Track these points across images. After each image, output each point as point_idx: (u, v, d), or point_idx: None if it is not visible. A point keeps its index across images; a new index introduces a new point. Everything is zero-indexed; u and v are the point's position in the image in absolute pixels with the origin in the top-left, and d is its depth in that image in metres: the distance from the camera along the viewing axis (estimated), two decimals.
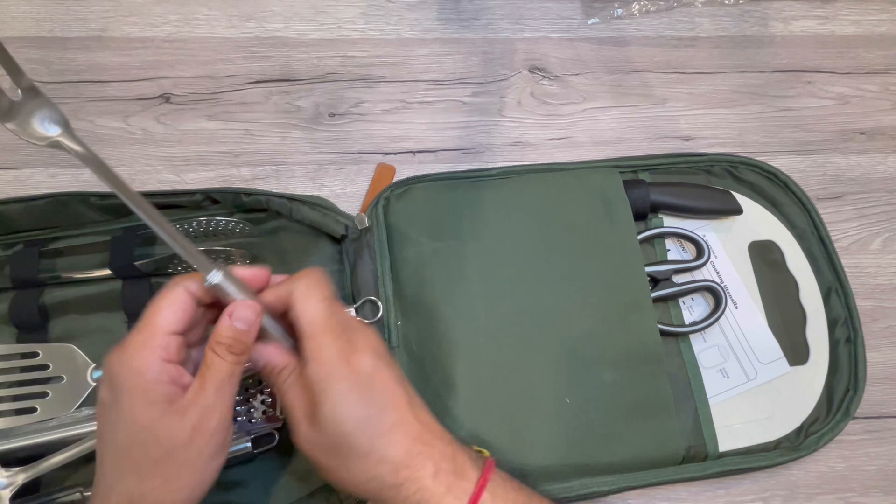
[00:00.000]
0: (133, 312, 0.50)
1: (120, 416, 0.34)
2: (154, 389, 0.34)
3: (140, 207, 0.37)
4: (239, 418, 0.48)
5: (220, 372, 0.35)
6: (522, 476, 0.48)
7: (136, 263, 0.50)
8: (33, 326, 0.50)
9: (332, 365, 0.36)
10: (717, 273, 0.55)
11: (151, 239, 0.52)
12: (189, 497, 0.35)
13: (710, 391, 0.52)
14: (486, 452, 0.42)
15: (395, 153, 0.59)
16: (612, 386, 0.50)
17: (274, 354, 0.38)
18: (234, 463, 0.47)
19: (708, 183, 0.58)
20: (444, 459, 0.37)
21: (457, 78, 0.62)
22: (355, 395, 0.36)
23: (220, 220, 0.52)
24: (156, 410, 0.34)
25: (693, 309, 0.54)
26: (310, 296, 0.37)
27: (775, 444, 0.51)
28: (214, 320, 0.37)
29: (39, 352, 0.49)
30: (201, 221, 0.51)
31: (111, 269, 0.50)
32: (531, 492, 0.40)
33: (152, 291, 0.51)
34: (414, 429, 0.37)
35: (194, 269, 0.37)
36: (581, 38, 0.64)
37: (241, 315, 0.36)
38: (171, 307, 0.36)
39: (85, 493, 0.45)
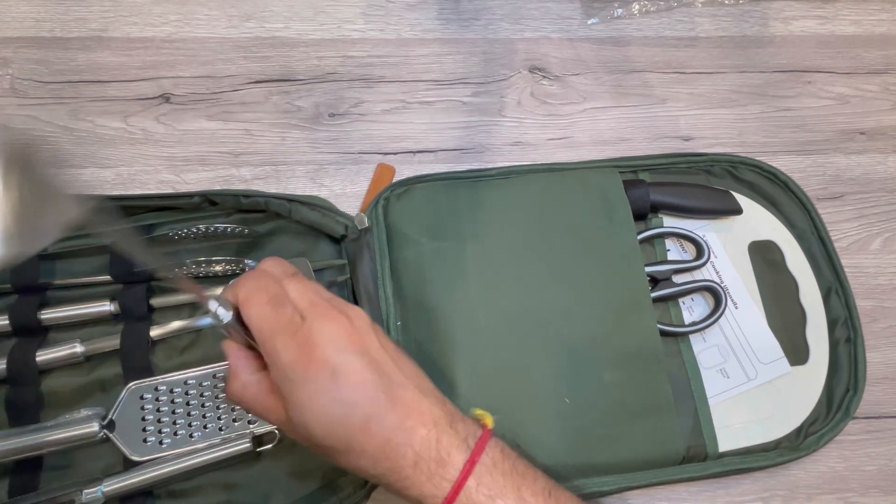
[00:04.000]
0: (132, 316, 0.50)
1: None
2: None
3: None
4: (238, 419, 0.48)
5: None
6: None
7: (135, 270, 0.50)
8: (34, 331, 0.50)
9: (289, 369, 0.35)
10: (717, 273, 0.55)
11: (150, 243, 0.52)
12: None
13: (710, 391, 0.52)
14: (488, 420, 0.39)
15: (395, 153, 0.59)
16: (612, 386, 0.50)
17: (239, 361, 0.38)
18: (235, 462, 0.47)
19: (708, 183, 0.57)
20: (426, 446, 0.35)
21: (457, 78, 0.62)
22: (321, 398, 0.35)
23: (219, 226, 0.51)
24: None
25: (693, 309, 0.54)
26: (251, 301, 0.36)
27: (775, 444, 0.51)
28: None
29: None
30: (200, 227, 0.51)
31: (111, 276, 0.50)
32: (526, 470, 0.38)
33: (150, 295, 0.51)
34: (391, 419, 0.35)
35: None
36: (581, 38, 0.64)
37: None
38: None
39: (86, 491, 0.45)
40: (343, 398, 0.35)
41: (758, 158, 0.58)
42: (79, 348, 0.48)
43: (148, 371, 0.49)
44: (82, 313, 0.50)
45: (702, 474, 0.49)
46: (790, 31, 0.66)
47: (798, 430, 0.51)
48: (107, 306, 0.50)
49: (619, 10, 0.64)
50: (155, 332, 0.50)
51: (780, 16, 0.66)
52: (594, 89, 0.62)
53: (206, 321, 0.50)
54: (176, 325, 0.50)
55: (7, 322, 0.49)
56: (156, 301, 0.51)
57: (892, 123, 0.63)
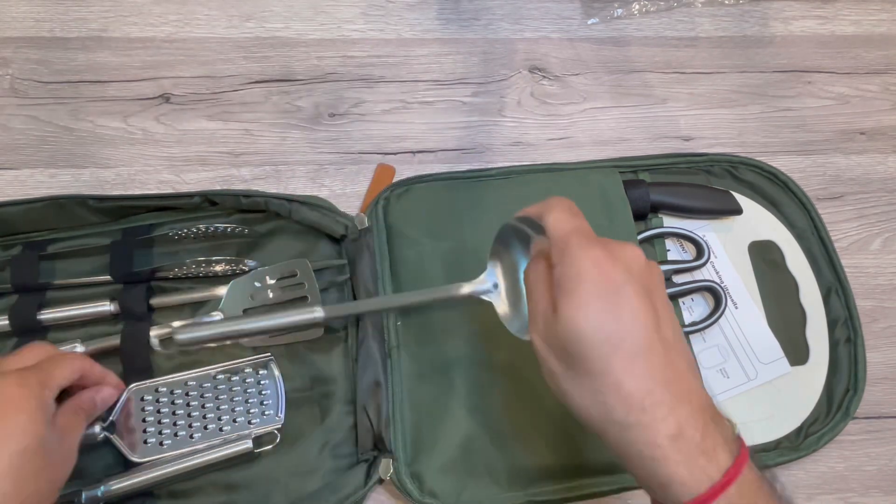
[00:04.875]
0: (132, 316, 0.50)
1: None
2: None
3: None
4: (239, 419, 0.48)
5: (79, 427, 0.43)
6: (524, 475, 0.48)
7: (135, 270, 0.50)
8: (34, 331, 0.49)
9: (579, 265, 0.33)
10: (717, 273, 0.55)
11: (150, 243, 0.52)
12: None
13: (710, 391, 0.51)
14: (737, 427, 0.35)
15: (395, 153, 0.59)
16: None
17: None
18: (235, 463, 0.47)
19: (708, 183, 0.57)
20: (691, 425, 0.31)
21: (457, 78, 0.62)
22: (601, 303, 0.33)
23: (219, 226, 0.51)
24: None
25: (693, 309, 0.54)
26: (556, 207, 0.37)
27: (775, 444, 0.51)
28: None
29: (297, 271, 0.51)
30: (200, 227, 0.51)
31: (111, 276, 0.50)
32: (772, 493, 0.33)
33: (150, 295, 0.51)
34: (662, 369, 0.32)
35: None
36: (581, 38, 0.64)
37: (104, 396, 0.46)
38: (71, 371, 0.42)
39: (86, 492, 0.45)
40: (619, 318, 0.32)
41: (758, 158, 0.58)
42: (79, 348, 0.48)
43: (148, 371, 0.49)
44: (82, 313, 0.50)
45: None
46: (790, 31, 0.66)
47: (798, 430, 0.51)
48: (107, 306, 0.50)
49: (619, 10, 0.64)
50: (156, 332, 0.50)
51: (780, 16, 0.66)
52: (594, 89, 0.62)
53: (213, 318, 0.50)
54: (178, 324, 0.50)
55: (7, 322, 0.49)
56: (156, 301, 0.51)
57: (892, 123, 0.63)
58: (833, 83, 0.64)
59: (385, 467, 0.47)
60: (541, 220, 0.38)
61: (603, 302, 0.33)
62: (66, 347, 0.48)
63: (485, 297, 0.46)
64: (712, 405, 0.34)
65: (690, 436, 0.31)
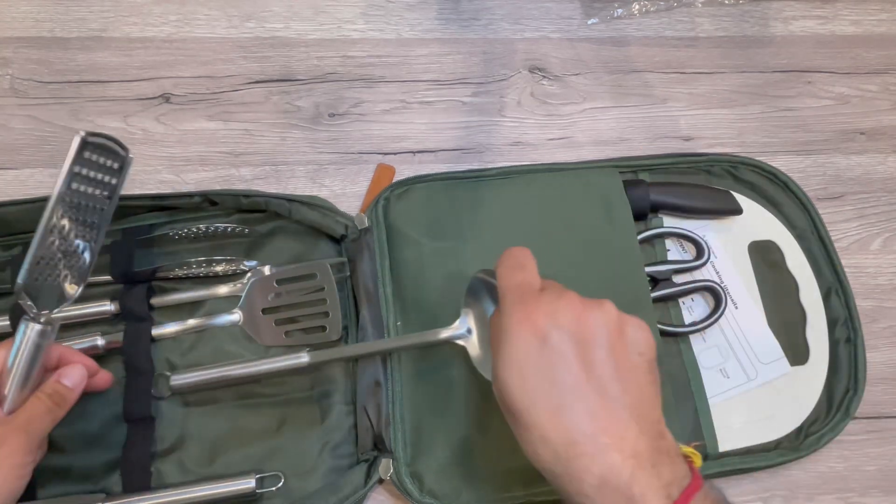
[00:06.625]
0: (133, 316, 0.50)
1: None
2: None
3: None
4: None
5: (34, 409, 0.40)
6: (524, 475, 0.48)
7: (135, 270, 0.50)
8: None
9: (507, 322, 0.35)
10: (717, 273, 0.55)
11: (150, 243, 0.52)
12: None
13: (710, 391, 0.52)
14: (696, 460, 0.36)
15: (395, 153, 0.59)
16: None
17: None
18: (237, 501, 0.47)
19: (708, 183, 0.58)
20: (615, 474, 0.32)
21: (457, 78, 0.62)
22: (524, 359, 0.34)
23: (219, 226, 0.51)
24: None
25: (693, 309, 0.54)
26: (504, 262, 0.39)
27: (775, 444, 0.51)
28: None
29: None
30: (200, 227, 0.51)
31: (112, 276, 0.50)
32: None
33: (151, 295, 0.51)
34: (584, 423, 0.33)
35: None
36: (581, 38, 0.64)
37: (70, 374, 0.42)
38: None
39: None
40: (543, 368, 0.34)
41: (758, 158, 0.58)
42: (100, 341, 0.49)
43: (150, 371, 0.49)
44: (83, 313, 0.50)
45: (702, 474, 0.49)
46: (790, 31, 0.66)
47: (798, 430, 0.51)
48: (107, 306, 0.50)
49: (619, 10, 0.64)
50: (157, 332, 0.50)
51: (780, 16, 0.66)
52: (594, 89, 0.62)
53: (221, 319, 0.50)
54: (192, 322, 0.50)
55: (8, 323, 0.49)
56: (156, 301, 0.51)
57: (892, 123, 0.63)
58: (833, 83, 0.64)
59: (385, 467, 0.47)
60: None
61: (526, 358, 0.34)
62: (86, 341, 0.48)
63: (459, 342, 0.47)
64: (655, 447, 0.34)
65: (615, 484, 0.32)
